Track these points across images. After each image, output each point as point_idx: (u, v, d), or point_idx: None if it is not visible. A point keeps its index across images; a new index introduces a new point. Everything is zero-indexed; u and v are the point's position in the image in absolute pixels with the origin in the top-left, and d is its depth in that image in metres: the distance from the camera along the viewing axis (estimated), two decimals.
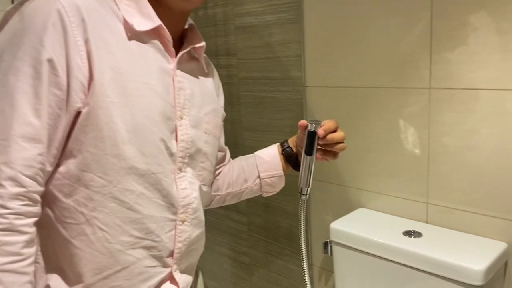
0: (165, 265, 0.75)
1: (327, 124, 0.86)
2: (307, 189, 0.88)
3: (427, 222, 1.12)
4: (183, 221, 0.76)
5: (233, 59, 1.50)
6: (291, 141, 1.00)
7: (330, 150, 0.89)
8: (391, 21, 1.09)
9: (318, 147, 0.87)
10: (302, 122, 0.87)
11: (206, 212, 0.89)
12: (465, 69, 0.99)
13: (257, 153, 1.01)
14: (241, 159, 1.02)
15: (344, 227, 1.14)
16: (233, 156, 1.07)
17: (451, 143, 1.04)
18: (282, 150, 0.99)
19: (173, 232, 0.75)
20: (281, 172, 0.98)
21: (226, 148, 1.02)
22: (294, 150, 0.98)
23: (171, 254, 0.76)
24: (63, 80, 0.63)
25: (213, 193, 0.98)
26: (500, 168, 0.97)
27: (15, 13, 0.64)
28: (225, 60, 1.52)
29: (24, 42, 0.61)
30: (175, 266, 0.77)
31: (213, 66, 0.94)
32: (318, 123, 0.86)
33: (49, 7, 0.62)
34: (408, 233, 1.06)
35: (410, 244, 1.01)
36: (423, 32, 1.04)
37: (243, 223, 1.63)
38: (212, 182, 0.95)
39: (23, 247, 0.61)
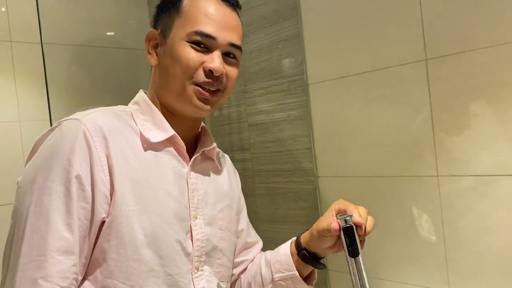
0: None
1: (360, 212, 0.78)
2: None
3: None
4: None
5: (247, 154, 1.58)
6: (303, 238, 0.89)
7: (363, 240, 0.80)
8: (395, 111, 1.17)
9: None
10: (334, 225, 0.77)
11: None
12: (469, 156, 1.04)
13: (278, 248, 0.94)
14: (261, 257, 0.96)
15: None
16: None
17: (466, 228, 1.06)
18: (298, 253, 0.88)
19: None
20: (294, 272, 0.87)
21: (257, 241, 0.99)
22: (304, 246, 0.88)
23: None
24: (89, 193, 0.69)
25: None
26: None
27: (46, 139, 0.73)
28: (240, 154, 1.60)
29: (55, 164, 0.68)
30: None
31: (228, 161, 1.00)
32: (349, 216, 0.76)
33: (76, 130, 0.70)
34: None
35: None
36: (425, 122, 1.11)
37: None
38: (233, 277, 0.95)
39: None
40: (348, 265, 0.76)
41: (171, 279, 0.74)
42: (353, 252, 0.74)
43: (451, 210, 1.08)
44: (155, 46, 0.83)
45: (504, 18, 0.96)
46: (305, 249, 0.88)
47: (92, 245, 0.70)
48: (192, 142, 0.87)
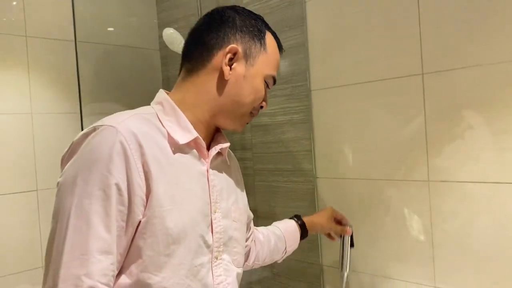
0: None
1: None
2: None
3: None
4: None
5: (249, 153, 1.66)
6: (308, 224, 1.25)
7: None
8: (391, 119, 1.26)
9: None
10: (349, 231, 1.25)
11: None
12: (459, 164, 1.14)
13: (281, 228, 1.22)
14: (270, 235, 1.19)
15: None
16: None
17: (452, 230, 1.16)
18: (301, 234, 1.24)
19: None
20: (298, 243, 1.24)
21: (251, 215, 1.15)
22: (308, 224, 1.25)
23: None
24: (126, 198, 0.74)
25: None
26: (497, 254, 1.08)
27: (83, 143, 0.76)
28: (240, 153, 1.68)
29: (94, 170, 0.73)
30: None
31: (233, 157, 1.07)
32: (350, 226, 1.26)
33: (113, 139, 0.74)
34: None
35: None
36: (419, 131, 1.20)
37: None
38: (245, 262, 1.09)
39: None
40: (343, 253, 1.25)
41: (195, 269, 0.82)
42: (352, 244, 1.26)
43: (439, 213, 1.18)
44: (230, 61, 0.87)
45: (495, 39, 1.06)
46: (304, 222, 1.25)
47: (129, 243, 0.76)
48: (209, 140, 0.94)
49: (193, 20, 1.84)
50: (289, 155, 1.53)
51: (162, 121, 0.84)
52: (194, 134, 0.85)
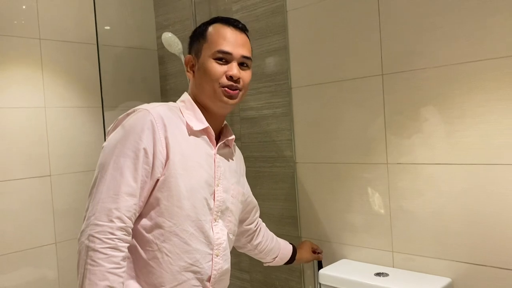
0: (204, 287, 1.07)
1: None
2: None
3: (393, 266, 1.44)
4: (217, 255, 1.10)
5: (238, 143, 1.88)
6: (299, 252, 1.55)
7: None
8: (357, 112, 1.50)
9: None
10: (321, 256, 1.61)
11: None
12: (412, 149, 1.38)
13: (282, 243, 1.51)
14: (273, 239, 1.49)
15: (331, 272, 1.45)
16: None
17: (405, 204, 1.40)
18: (293, 253, 1.53)
19: (210, 263, 1.08)
20: (284, 261, 1.53)
21: (256, 204, 1.41)
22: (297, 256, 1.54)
23: (209, 279, 1.08)
24: (151, 160, 1.00)
25: (254, 246, 1.44)
26: (441, 223, 1.33)
27: (125, 119, 1.03)
28: None
29: (130, 137, 0.99)
30: None
31: (239, 151, 1.32)
32: (321, 252, 1.63)
33: (146, 117, 1.02)
34: (378, 274, 1.38)
35: (379, 282, 1.33)
36: (380, 123, 1.44)
37: (246, 280, 1.91)
38: (250, 231, 1.40)
39: (121, 260, 0.95)
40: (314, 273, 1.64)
41: (199, 223, 1.06)
42: (321, 266, 1.60)
43: (396, 189, 1.42)
44: (192, 66, 1.16)
45: (442, 46, 1.30)
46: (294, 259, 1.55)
47: (149, 194, 1.01)
48: (217, 133, 1.19)
49: (188, 24, 2.08)
50: (273, 144, 1.77)
51: (183, 113, 1.11)
52: (206, 124, 1.11)
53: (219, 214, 1.12)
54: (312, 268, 1.68)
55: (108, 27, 2.12)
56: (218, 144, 1.15)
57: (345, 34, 1.51)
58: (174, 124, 1.06)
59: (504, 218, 1.21)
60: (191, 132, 1.09)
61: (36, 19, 1.91)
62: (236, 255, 1.79)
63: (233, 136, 1.21)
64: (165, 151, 1.02)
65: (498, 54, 1.20)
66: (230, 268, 1.17)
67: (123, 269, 0.95)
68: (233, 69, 1.10)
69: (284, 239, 1.56)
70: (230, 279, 1.99)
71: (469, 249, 1.28)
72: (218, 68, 1.09)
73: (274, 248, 1.48)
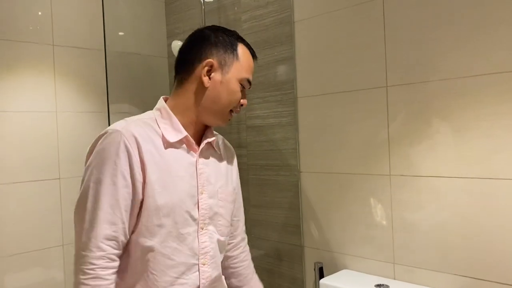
0: None
1: None
2: None
3: (394, 278, 1.44)
4: (204, 264, 1.10)
5: (244, 150, 1.91)
6: None
7: None
8: (361, 123, 1.51)
9: None
10: None
11: None
12: (415, 161, 1.38)
13: (256, 283, 1.32)
14: (248, 273, 1.31)
15: (331, 282, 1.46)
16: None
17: (408, 216, 1.40)
18: None
19: (197, 273, 1.08)
20: None
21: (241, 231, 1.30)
22: None
23: None
24: (129, 182, 0.99)
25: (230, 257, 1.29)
26: (443, 236, 1.32)
27: (99, 142, 1.00)
28: (236, 151, 1.90)
29: (105, 165, 0.98)
30: None
31: (230, 149, 1.30)
32: None
33: (117, 141, 0.99)
34: (379, 286, 1.38)
35: None
36: (383, 134, 1.45)
37: None
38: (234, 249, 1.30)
39: (107, 286, 0.97)
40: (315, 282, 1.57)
41: (182, 236, 1.05)
42: (321, 276, 1.56)
43: (398, 201, 1.42)
44: (208, 71, 1.08)
45: (444, 60, 1.31)
46: None
47: (136, 217, 1.01)
48: (200, 135, 1.16)
49: None
50: (278, 153, 1.78)
51: (159, 124, 1.08)
52: (184, 133, 1.09)
53: (206, 221, 1.12)
54: (313, 278, 1.68)
55: (121, 33, 2.16)
56: (200, 148, 1.12)
57: (350, 45, 1.53)
58: (148, 141, 1.03)
59: (506, 233, 1.21)
60: (168, 145, 1.06)
61: (50, 25, 1.97)
62: None
63: (214, 138, 1.17)
64: (141, 174, 1.01)
65: (503, 68, 1.20)
66: (221, 274, 1.16)
67: None
68: (246, 98, 1.14)
69: (287, 247, 1.56)
70: None
71: (471, 263, 1.27)
72: (239, 95, 1.11)
73: (247, 276, 1.31)
